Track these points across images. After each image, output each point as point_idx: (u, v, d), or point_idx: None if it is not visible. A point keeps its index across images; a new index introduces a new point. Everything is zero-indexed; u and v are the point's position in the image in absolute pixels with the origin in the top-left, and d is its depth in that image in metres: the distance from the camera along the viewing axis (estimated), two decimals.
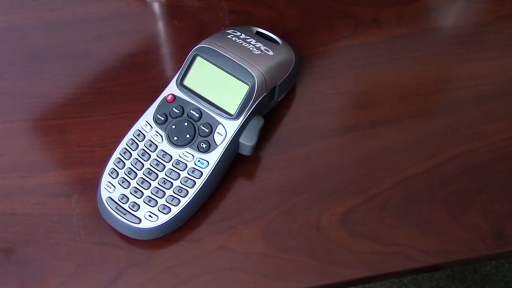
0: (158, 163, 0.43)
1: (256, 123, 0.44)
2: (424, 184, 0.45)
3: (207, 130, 0.43)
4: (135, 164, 0.43)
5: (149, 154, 0.43)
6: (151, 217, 0.41)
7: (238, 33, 0.46)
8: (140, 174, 0.42)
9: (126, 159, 0.43)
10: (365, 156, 0.47)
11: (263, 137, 0.47)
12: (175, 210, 0.41)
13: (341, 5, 0.56)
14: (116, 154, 0.43)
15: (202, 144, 0.43)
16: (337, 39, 0.53)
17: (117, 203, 0.41)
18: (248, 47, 0.44)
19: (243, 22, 0.54)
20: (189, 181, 0.42)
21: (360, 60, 0.52)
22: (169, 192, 0.42)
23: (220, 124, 0.43)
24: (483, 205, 0.45)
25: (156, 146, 0.43)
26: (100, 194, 0.42)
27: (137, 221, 0.41)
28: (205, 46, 0.44)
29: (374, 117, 0.49)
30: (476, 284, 1.10)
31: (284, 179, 0.45)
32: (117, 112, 0.48)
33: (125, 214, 0.41)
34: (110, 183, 0.42)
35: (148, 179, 0.42)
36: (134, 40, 0.53)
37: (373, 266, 0.42)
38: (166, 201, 0.41)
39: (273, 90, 0.45)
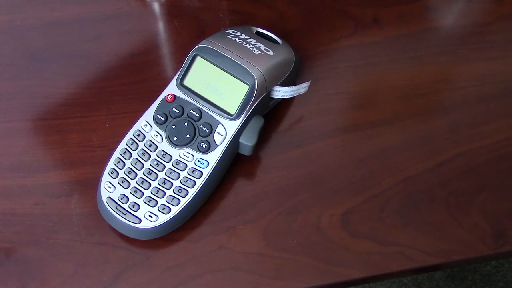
0: (158, 163, 0.43)
1: (256, 123, 0.44)
2: (424, 184, 0.45)
3: (207, 130, 0.43)
4: (135, 164, 0.43)
5: (149, 154, 0.43)
6: (151, 217, 0.41)
7: (238, 33, 0.46)
8: (140, 174, 0.42)
9: (126, 159, 0.43)
10: (365, 156, 0.47)
11: (263, 137, 0.47)
12: (175, 210, 0.41)
13: (341, 5, 0.56)
14: (116, 154, 0.43)
15: (202, 144, 0.43)
16: (337, 39, 0.53)
17: (117, 203, 0.41)
18: (248, 47, 0.44)
19: (243, 22, 0.54)
20: (189, 181, 0.42)
21: (360, 60, 0.52)
22: (169, 192, 0.42)
23: (220, 124, 0.43)
24: (483, 205, 0.45)
25: (156, 146, 0.43)
26: (100, 194, 0.42)
27: (137, 221, 0.41)
28: (205, 46, 0.44)
29: (374, 117, 0.49)
30: (476, 284, 1.10)
31: (284, 179, 0.45)
32: (117, 112, 0.48)
33: (125, 214, 0.41)
34: (110, 183, 0.42)
35: (148, 179, 0.42)
36: (134, 40, 0.53)
37: (373, 266, 0.42)
38: (166, 201, 0.41)
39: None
